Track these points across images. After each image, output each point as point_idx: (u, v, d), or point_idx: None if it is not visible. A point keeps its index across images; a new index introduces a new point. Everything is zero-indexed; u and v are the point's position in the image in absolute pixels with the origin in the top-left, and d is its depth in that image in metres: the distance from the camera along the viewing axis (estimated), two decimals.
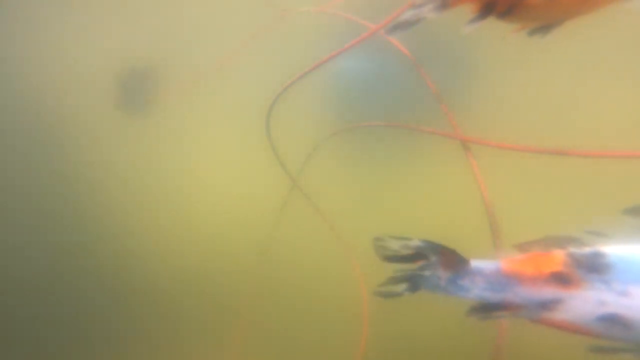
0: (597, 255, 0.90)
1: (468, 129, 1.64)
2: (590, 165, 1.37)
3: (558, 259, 0.91)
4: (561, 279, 0.90)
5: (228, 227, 2.44)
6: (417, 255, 0.95)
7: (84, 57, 2.72)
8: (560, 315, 0.90)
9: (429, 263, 0.95)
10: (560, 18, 1.07)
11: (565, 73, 2.13)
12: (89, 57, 2.72)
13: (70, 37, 2.73)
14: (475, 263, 0.95)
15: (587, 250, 0.91)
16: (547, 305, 0.90)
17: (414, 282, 0.96)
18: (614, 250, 0.91)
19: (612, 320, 0.87)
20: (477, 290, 0.94)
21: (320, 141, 2.28)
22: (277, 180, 2.32)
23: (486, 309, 0.93)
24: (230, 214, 2.47)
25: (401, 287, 0.97)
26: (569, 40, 1.93)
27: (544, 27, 1.08)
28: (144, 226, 2.53)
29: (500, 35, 1.09)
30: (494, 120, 2.08)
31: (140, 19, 2.74)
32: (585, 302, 0.89)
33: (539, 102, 2.17)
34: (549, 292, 0.90)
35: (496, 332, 1.47)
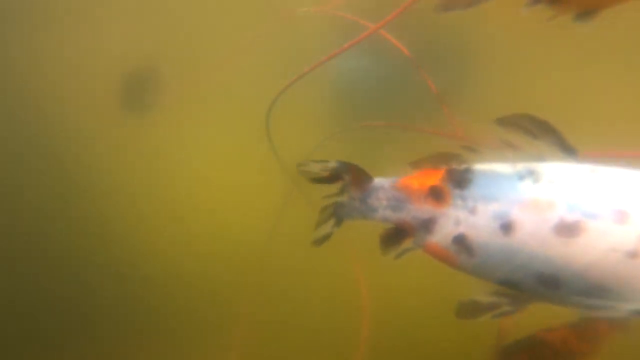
0: (466, 171, 0.90)
1: (468, 129, 1.64)
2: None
3: (439, 174, 0.92)
4: (436, 194, 0.91)
5: (228, 227, 2.44)
6: (334, 176, 1.00)
7: (85, 58, 2.71)
8: (434, 237, 0.90)
9: (345, 183, 0.99)
10: (601, 5, 1.07)
11: (567, 73, 2.13)
12: (90, 59, 2.71)
13: (72, 39, 2.73)
14: (377, 179, 0.98)
15: (463, 166, 0.91)
16: (427, 225, 0.91)
17: (337, 214, 1.01)
18: (481, 165, 0.91)
19: (460, 243, 0.86)
20: (381, 210, 0.96)
21: (320, 141, 2.28)
22: (277, 180, 2.32)
23: (392, 236, 0.94)
24: (230, 214, 2.46)
25: (329, 225, 1.02)
26: (570, 40, 1.93)
27: (588, 13, 1.08)
28: (144, 226, 2.53)
29: (544, 19, 1.09)
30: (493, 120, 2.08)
31: (141, 20, 2.74)
32: (447, 220, 0.89)
33: (540, 102, 2.17)
34: (427, 210, 0.91)
35: (497, 330, 1.47)
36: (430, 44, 2.23)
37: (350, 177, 0.99)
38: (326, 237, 1.05)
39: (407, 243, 0.93)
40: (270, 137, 2.14)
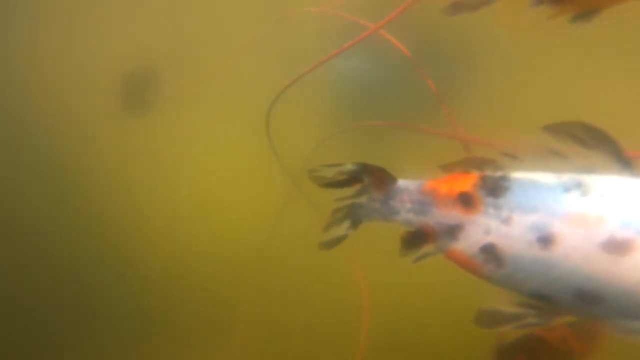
0: (502, 179, 0.86)
1: (468, 129, 1.64)
2: None
3: (471, 179, 0.88)
4: (465, 200, 0.87)
5: (228, 227, 2.44)
6: (352, 179, 0.96)
7: (86, 58, 2.72)
8: (459, 244, 0.87)
9: (364, 185, 0.95)
10: (601, 5, 1.06)
11: (567, 73, 2.13)
12: (91, 58, 2.72)
13: (72, 39, 2.73)
14: (402, 181, 0.95)
15: (498, 173, 0.87)
16: (452, 231, 0.87)
17: (354, 215, 0.97)
18: (520, 174, 0.87)
19: (489, 252, 0.83)
20: (404, 213, 0.93)
21: (320, 141, 2.28)
22: (277, 180, 2.32)
23: (413, 239, 0.91)
24: (230, 214, 2.46)
25: (344, 227, 0.98)
26: (569, 39, 1.93)
27: (588, 13, 1.08)
28: (144, 226, 2.53)
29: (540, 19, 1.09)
30: (494, 120, 2.08)
31: (141, 20, 2.74)
32: (477, 228, 0.86)
33: (540, 102, 2.17)
34: (454, 215, 0.88)
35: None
36: (431, 43, 2.23)
37: (371, 178, 0.95)
38: (339, 240, 1.00)
39: (428, 247, 0.90)
40: (270, 137, 2.14)
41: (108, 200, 2.59)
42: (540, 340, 1.17)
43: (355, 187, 0.97)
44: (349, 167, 0.95)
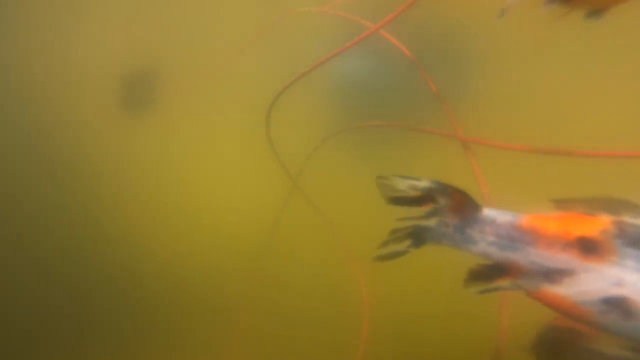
0: None
1: (468, 129, 1.64)
2: (591, 165, 1.36)
3: (599, 224, 0.77)
4: (587, 246, 0.77)
5: (228, 227, 2.44)
6: (425, 197, 0.85)
7: (87, 57, 2.72)
8: (561, 289, 0.78)
9: (438, 207, 0.85)
10: (611, 3, 1.06)
11: (566, 72, 2.13)
12: (92, 57, 2.72)
13: (74, 38, 2.73)
14: (488, 211, 0.84)
15: None
16: (553, 275, 0.78)
17: (419, 235, 0.86)
18: None
19: (615, 304, 0.75)
20: (483, 244, 0.82)
21: (320, 141, 2.28)
22: (277, 180, 2.32)
23: (486, 273, 0.82)
24: (231, 214, 2.46)
25: (405, 244, 0.86)
26: (569, 39, 1.93)
27: (598, 11, 1.08)
28: (144, 226, 2.53)
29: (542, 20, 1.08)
30: (494, 120, 2.08)
31: (142, 19, 2.74)
32: (600, 278, 0.76)
33: (540, 102, 2.17)
34: (563, 259, 0.78)
35: (496, 333, 1.47)
36: (431, 43, 2.23)
37: (450, 201, 0.84)
38: (397, 255, 0.88)
39: (504, 282, 0.81)
40: (270, 137, 2.14)
41: (107, 199, 2.59)
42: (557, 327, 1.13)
43: (425, 208, 0.86)
44: (426, 183, 0.85)
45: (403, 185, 0.85)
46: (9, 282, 2.40)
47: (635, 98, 1.99)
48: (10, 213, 2.57)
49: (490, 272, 0.82)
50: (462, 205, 0.84)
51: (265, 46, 2.61)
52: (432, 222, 0.85)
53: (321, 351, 2.16)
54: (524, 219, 0.82)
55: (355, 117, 2.34)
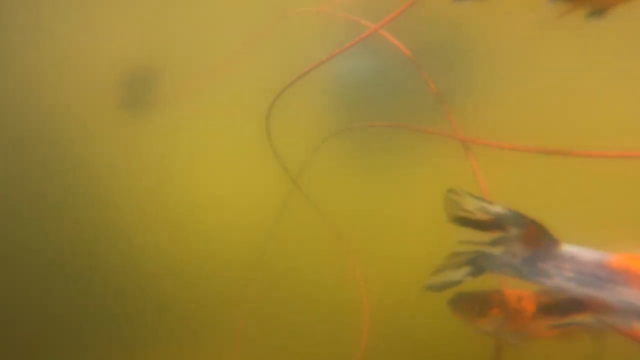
0: None
1: (468, 129, 1.64)
2: (591, 165, 1.36)
3: None
4: None
5: (228, 227, 2.44)
6: (493, 223, 0.80)
7: (86, 58, 2.71)
8: None
9: (507, 236, 0.80)
10: (614, 2, 1.06)
11: (567, 72, 2.13)
12: (91, 58, 2.71)
13: (73, 38, 2.72)
14: (568, 247, 0.79)
15: None
16: None
17: (480, 264, 0.81)
18: None
19: None
20: (559, 279, 0.77)
21: (320, 141, 2.28)
22: (277, 180, 2.32)
23: (562, 307, 0.80)
24: (231, 214, 2.46)
25: (462, 271, 0.81)
26: (570, 39, 1.92)
27: (601, 10, 1.07)
28: (143, 225, 2.53)
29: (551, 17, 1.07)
30: (494, 120, 2.08)
31: (142, 19, 2.74)
32: None
33: (540, 102, 2.17)
34: None
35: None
36: (431, 43, 2.23)
37: (523, 232, 0.79)
38: (451, 285, 0.83)
39: (582, 317, 0.78)
40: (270, 137, 2.14)
41: (107, 199, 2.59)
42: (499, 294, 1.11)
43: (492, 234, 0.81)
44: (500, 210, 0.80)
45: (472, 206, 0.81)
46: (11, 283, 2.40)
47: (636, 98, 1.99)
48: (11, 213, 2.57)
49: (566, 307, 0.80)
50: (537, 238, 0.80)
51: (265, 46, 2.61)
52: (498, 251, 0.80)
53: (321, 350, 2.16)
54: (614, 258, 0.77)
55: (355, 117, 2.34)
